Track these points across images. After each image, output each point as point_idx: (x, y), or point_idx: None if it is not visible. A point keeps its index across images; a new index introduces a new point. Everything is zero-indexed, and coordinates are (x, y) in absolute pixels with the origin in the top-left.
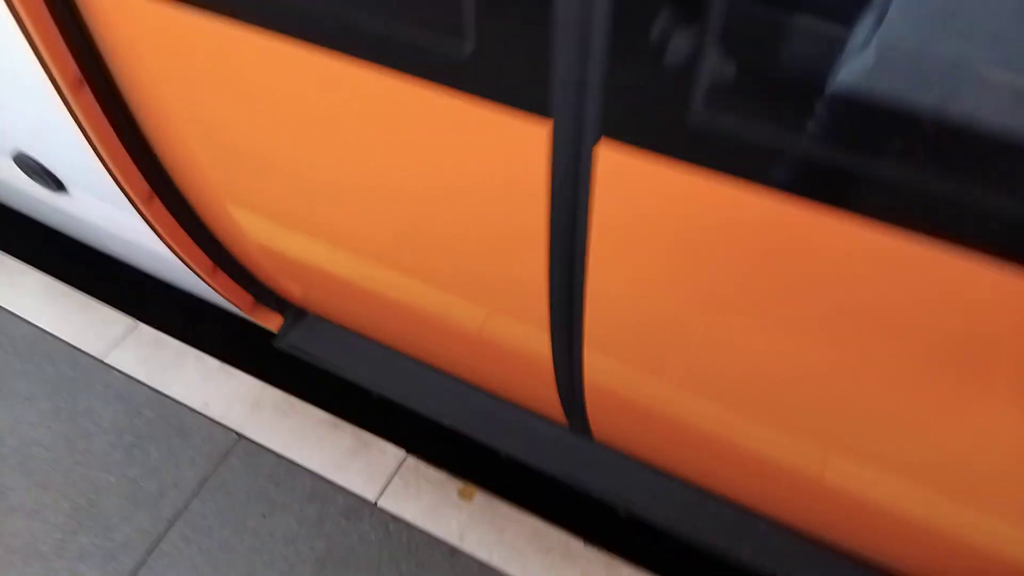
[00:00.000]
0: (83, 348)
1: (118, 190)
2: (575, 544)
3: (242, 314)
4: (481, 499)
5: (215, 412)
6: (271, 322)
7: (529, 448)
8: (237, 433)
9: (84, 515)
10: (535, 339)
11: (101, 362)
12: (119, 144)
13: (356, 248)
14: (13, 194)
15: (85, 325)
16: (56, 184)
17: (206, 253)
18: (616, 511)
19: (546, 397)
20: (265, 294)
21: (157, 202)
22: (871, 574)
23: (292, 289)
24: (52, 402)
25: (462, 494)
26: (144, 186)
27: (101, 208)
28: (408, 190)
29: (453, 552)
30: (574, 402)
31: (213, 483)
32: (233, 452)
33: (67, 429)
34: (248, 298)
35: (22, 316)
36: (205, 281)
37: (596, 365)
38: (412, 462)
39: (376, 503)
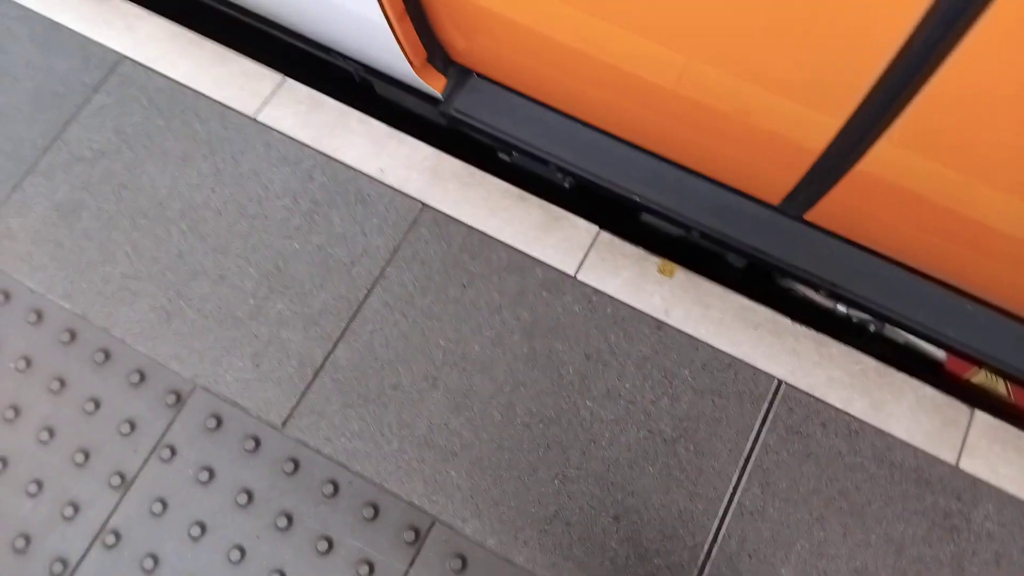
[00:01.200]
0: (230, 104)
1: None
2: (783, 321)
3: (409, 73)
4: (682, 276)
5: (393, 180)
6: (436, 84)
7: (729, 225)
8: (420, 202)
9: (275, 281)
10: (815, 123)
11: (254, 120)
12: None
13: None
14: None
15: (226, 78)
16: None
17: None
18: (818, 289)
19: (777, 178)
20: (435, 51)
21: None
22: None
23: (460, 43)
24: (211, 163)
25: (662, 270)
26: None
27: None
28: None
29: (660, 325)
30: (818, 186)
31: (405, 252)
32: (420, 221)
33: (234, 192)
34: (422, 53)
35: (151, 66)
36: (392, 27)
37: (885, 157)
38: (606, 237)
39: (575, 276)
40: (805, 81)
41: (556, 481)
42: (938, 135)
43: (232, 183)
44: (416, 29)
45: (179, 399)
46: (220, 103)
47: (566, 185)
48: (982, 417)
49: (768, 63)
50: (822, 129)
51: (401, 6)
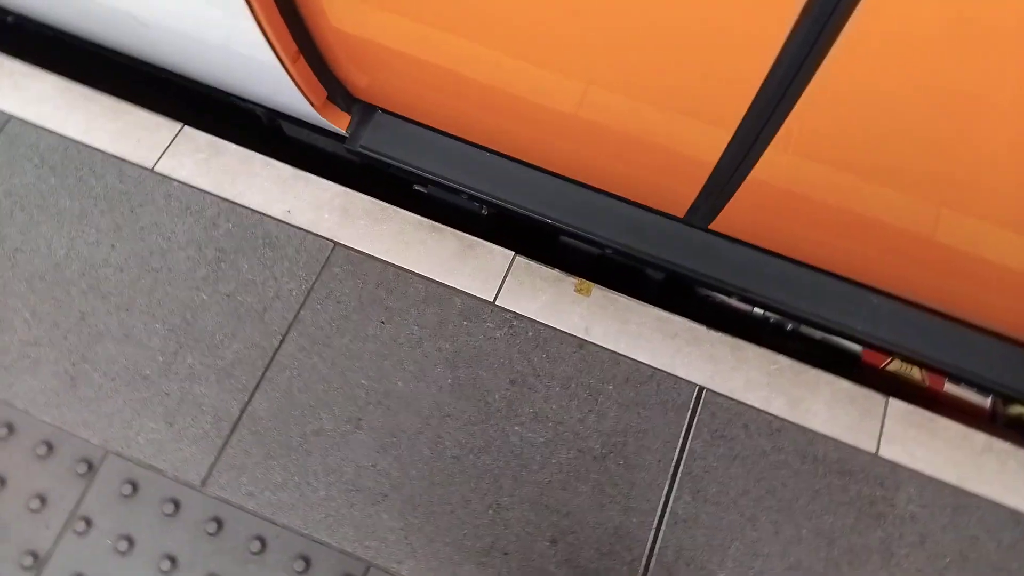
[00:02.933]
0: (126, 157)
1: None
2: (699, 329)
3: (311, 112)
4: (598, 294)
5: (302, 221)
6: (340, 122)
7: (640, 241)
8: (332, 241)
9: (183, 335)
10: (706, 136)
11: (152, 172)
12: None
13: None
14: None
15: (121, 131)
16: None
17: (292, 35)
18: (730, 295)
19: (679, 192)
20: (336, 90)
21: None
22: (977, 335)
23: (361, 80)
24: (109, 219)
25: (578, 290)
26: None
27: None
28: None
29: (581, 344)
30: (717, 196)
31: (319, 293)
32: (332, 260)
33: (135, 247)
34: (322, 92)
35: (42, 125)
36: (287, 69)
37: (775, 163)
38: (522, 262)
39: (494, 302)
40: (693, 97)
41: (490, 511)
42: (819, 138)
43: (132, 238)
44: (312, 69)
45: (91, 467)
46: (116, 157)
47: (483, 213)
48: (896, 404)
49: (657, 82)
50: (713, 141)
51: (294, 47)
